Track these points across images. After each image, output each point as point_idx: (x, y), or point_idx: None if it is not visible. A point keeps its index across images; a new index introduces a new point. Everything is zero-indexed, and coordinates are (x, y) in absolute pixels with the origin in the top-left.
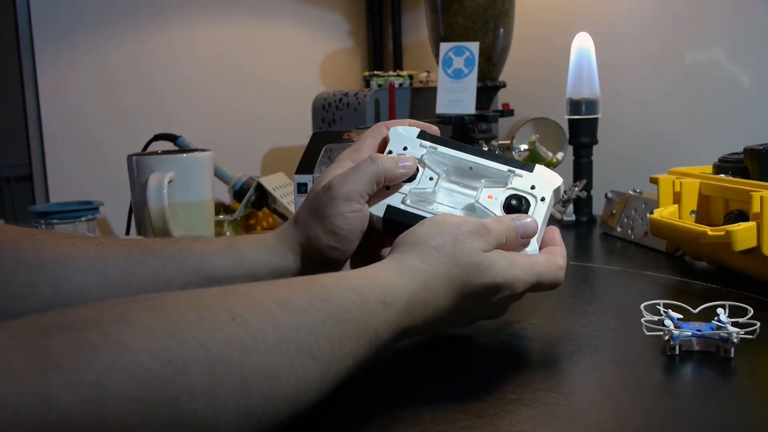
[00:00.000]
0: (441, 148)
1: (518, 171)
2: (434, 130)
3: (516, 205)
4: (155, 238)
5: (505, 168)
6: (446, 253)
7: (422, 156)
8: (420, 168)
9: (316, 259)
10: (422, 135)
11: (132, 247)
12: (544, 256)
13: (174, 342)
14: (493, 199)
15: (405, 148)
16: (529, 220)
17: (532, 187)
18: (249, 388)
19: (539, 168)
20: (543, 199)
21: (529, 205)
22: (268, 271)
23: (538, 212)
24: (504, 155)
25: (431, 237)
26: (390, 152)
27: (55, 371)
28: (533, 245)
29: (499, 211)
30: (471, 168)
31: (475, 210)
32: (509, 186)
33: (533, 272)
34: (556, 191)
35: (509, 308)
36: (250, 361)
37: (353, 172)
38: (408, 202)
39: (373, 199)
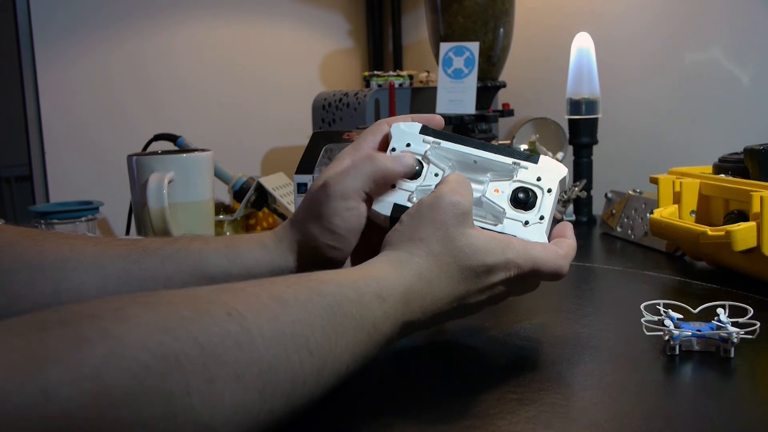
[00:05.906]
0: (444, 143)
1: (523, 163)
2: (437, 120)
3: (523, 198)
4: (154, 238)
5: (509, 160)
6: (433, 242)
7: (426, 152)
8: (425, 164)
9: (314, 258)
10: (425, 130)
11: (131, 246)
12: (544, 243)
13: (168, 337)
14: (499, 192)
15: (408, 145)
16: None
17: (538, 179)
18: (244, 384)
19: (543, 159)
20: (549, 191)
21: (536, 197)
22: (266, 271)
23: (546, 204)
24: (507, 147)
25: (416, 230)
26: (393, 149)
27: (53, 365)
28: (542, 235)
29: (506, 204)
30: (475, 162)
31: (482, 204)
32: (515, 179)
33: (529, 256)
34: (562, 182)
35: (510, 304)
36: (246, 357)
37: (350, 171)
38: (414, 199)
39: (378, 197)
